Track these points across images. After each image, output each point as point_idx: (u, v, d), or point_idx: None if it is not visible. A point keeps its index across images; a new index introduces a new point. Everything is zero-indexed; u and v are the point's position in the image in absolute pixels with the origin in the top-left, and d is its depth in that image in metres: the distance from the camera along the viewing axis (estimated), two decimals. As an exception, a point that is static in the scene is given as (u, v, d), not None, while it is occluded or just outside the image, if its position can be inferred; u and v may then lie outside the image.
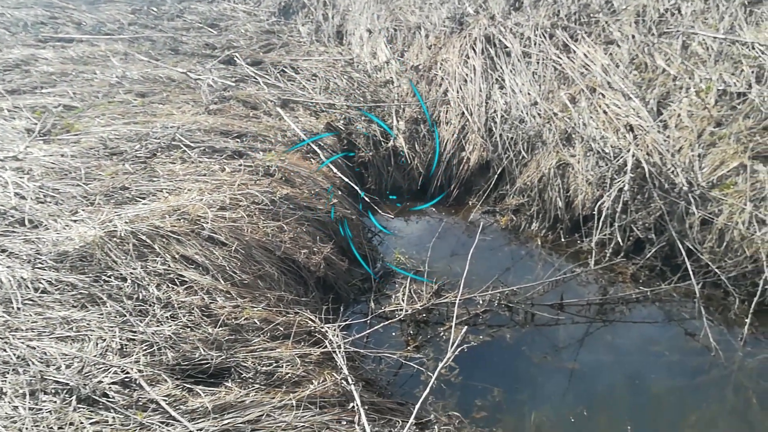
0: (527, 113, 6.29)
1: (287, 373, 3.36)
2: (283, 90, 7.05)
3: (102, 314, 3.38)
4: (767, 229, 4.96)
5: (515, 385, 4.13)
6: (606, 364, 4.40)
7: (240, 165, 5.07)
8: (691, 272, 4.94)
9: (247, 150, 5.41)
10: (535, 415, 3.90)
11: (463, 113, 6.55)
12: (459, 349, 4.23)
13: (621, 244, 5.33)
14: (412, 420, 3.16)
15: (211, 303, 3.68)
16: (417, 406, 3.27)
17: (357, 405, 3.27)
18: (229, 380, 3.25)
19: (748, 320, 4.68)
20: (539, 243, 5.69)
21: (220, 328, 3.50)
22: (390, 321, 4.52)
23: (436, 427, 3.69)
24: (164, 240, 3.99)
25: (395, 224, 6.09)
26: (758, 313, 4.77)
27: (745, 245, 4.98)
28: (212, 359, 3.28)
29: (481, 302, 4.83)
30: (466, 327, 4.24)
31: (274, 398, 3.15)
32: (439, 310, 4.75)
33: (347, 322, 4.32)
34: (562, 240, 5.68)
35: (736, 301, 4.84)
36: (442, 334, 4.54)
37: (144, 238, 3.93)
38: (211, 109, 6.19)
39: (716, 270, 4.94)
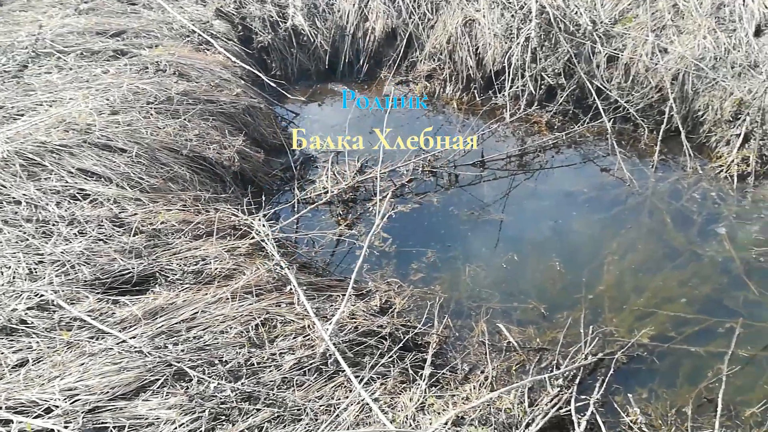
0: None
1: (216, 269, 3.25)
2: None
3: (0, 242, 3.09)
4: (669, 57, 5.08)
5: (447, 244, 4.22)
6: (531, 210, 4.55)
7: (125, 65, 4.59)
8: (601, 110, 5.07)
9: (130, 48, 4.89)
10: (469, 268, 4.03)
11: (361, -20, 6.14)
12: (386, 218, 4.26)
13: (534, 93, 5.35)
14: (350, 291, 3.16)
15: (121, 213, 3.44)
16: (353, 277, 3.27)
17: (294, 286, 3.24)
18: (156, 285, 3.11)
19: (657, 148, 4.92)
20: (455, 106, 5.64)
21: (136, 236, 3.30)
22: (317, 204, 4.43)
23: (377, 295, 3.76)
24: (55, 155, 3.62)
25: (309, 109, 5.83)
26: (666, 140, 5.03)
27: (649, 76, 5.11)
28: (133, 268, 3.11)
29: (405, 172, 4.80)
30: (389, 198, 4.22)
31: (206, 295, 3.06)
32: (365, 186, 4.69)
33: (273, 211, 4.19)
34: (477, 99, 5.64)
35: (645, 132, 5.05)
36: (371, 209, 4.51)
37: (31, 156, 3.55)
38: (81, 9, 5.49)
39: (625, 104, 5.09)
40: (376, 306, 3.63)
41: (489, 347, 3.51)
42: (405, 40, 5.94)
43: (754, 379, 3.35)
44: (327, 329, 2.97)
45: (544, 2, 5.28)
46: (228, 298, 3.07)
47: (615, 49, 5.25)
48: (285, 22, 5.96)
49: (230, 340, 2.86)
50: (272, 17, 5.96)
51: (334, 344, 2.94)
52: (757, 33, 5.19)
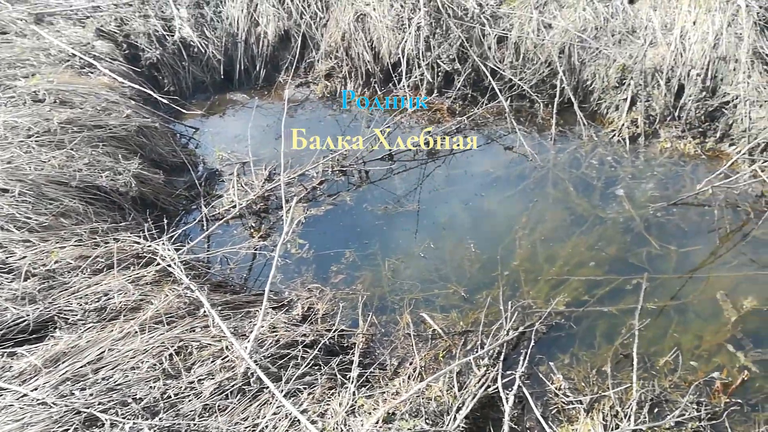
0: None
1: (121, 303, 3.08)
2: (33, 3, 5.92)
3: None
4: (554, 32, 5.28)
5: (365, 241, 4.20)
6: (442, 196, 4.60)
7: (-4, 99, 4.27)
8: (497, 91, 5.20)
9: (2, 80, 4.55)
10: (389, 262, 4.04)
11: (247, -15, 5.99)
12: (300, 224, 4.21)
13: (432, 81, 5.42)
14: (265, 305, 3.09)
15: (8, 257, 3.20)
16: (266, 290, 3.19)
17: (207, 308, 3.12)
18: (56, 330, 2.91)
19: (554, 121, 5.10)
20: (358, 102, 5.61)
21: (28, 281, 3.08)
22: (226, 219, 4.30)
23: (298, 303, 3.70)
24: (-77, 206, 3.32)
25: (210, 122, 5.64)
26: (561, 112, 5.22)
27: (538, 52, 5.29)
28: (28, 315, 2.89)
29: (315, 175, 4.75)
30: (293, 205, 4.15)
31: (112, 332, 2.89)
32: (276, 195, 4.60)
33: (180, 232, 4.02)
34: (379, 93, 5.65)
35: (541, 107, 5.22)
36: (284, 216, 4.43)
37: None
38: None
39: (519, 82, 5.24)
40: (298, 315, 3.57)
41: (415, 338, 3.53)
42: (300, 41, 5.86)
43: (663, 329, 3.55)
44: (246, 348, 2.88)
45: (428, -10, 5.35)
46: (137, 332, 2.92)
47: (503, 30, 5.40)
48: (172, 36, 5.73)
49: (143, 376, 2.73)
50: (158, 32, 5.71)
51: (254, 362, 2.86)
52: (632, 0, 5.48)
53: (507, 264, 3.99)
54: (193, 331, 3.06)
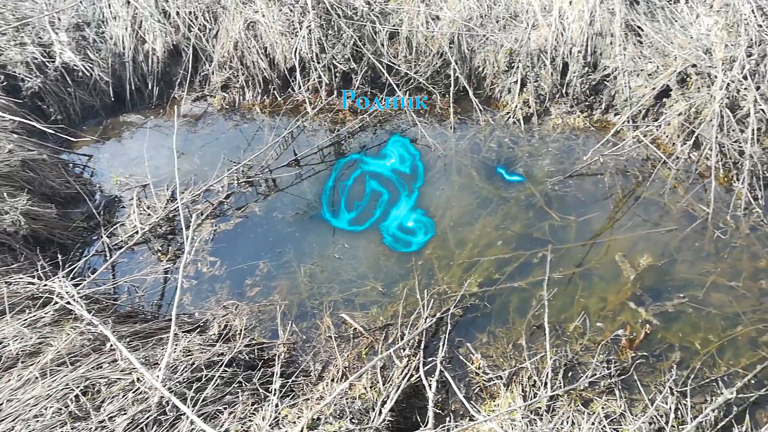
0: (196, -19, 5.76)
1: (17, 350, 2.90)
2: None
3: None
4: (442, 23, 5.41)
5: (278, 250, 4.16)
6: (354, 194, 4.61)
7: None
8: (394, 86, 5.27)
9: None
10: (305, 268, 4.02)
11: (128, 1, 5.76)
12: (206, 242, 4.12)
13: (331, 82, 5.42)
14: (173, 329, 2.99)
15: None
16: (173, 314, 3.09)
17: (113, 342, 2.99)
18: (-55, 390, 2.70)
19: (451, 110, 5.23)
20: (258, 110, 5.53)
21: None
22: (130, 246, 4.14)
23: (214, 323, 3.62)
24: None
25: (106, 147, 5.38)
26: (458, 100, 5.36)
27: (429, 44, 5.40)
28: None
29: (221, 189, 4.65)
30: (194, 225, 4.05)
31: (9, 381, 2.72)
32: (189, 214, 4.45)
33: (78, 267, 3.83)
34: (279, 99, 5.59)
35: (438, 97, 5.34)
36: (191, 235, 4.30)
37: None
38: None
39: (414, 76, 5.34)
40: (215, 335, 3.50)
41: (337, 340, 3.54)
42: (191, 55, 5.69)
43: (571, 296, 3.73)
44: (157, 376, 2.79)
45: (318, -8, 5.35)
46: (37, 377, 2.76)
47: (394, 26, 5.47)
48: (53, 62, 5.43)
49: (48, 422, 2.58)
50: (37, 59, 5.39)
51: (168, 389, 2.77)
52: (511, -13, 5.69)
53: (420, 254, 4.06)
54: (100, 367, 2.93)
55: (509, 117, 5.14)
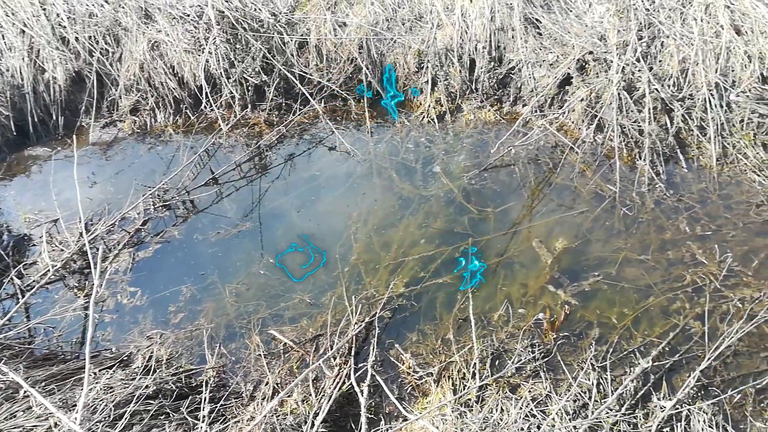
0: (92, 3, 5.56)
1: None
2: None
3: None
4: (349, 29, 5.45)
5: (201, 272, 4.07)
6: (274, 208, 4.57)
7: None
8: (308, 95, 5.26)
9: None
10: (230, 287, 3.95)
11: (23, 30, 5.50)
12: (117, 273, 3.99)
13: (244, 97, 5.36)
14: (88, 368, 2.87)
15: None
16: (86, 352, 2.97)
17: (26, 388, 2.84)
18: None
19: (367, 115, 5.27)
20: (171, 131, 5.40)
21: None
22: (42, 284, 3.95)
23: (138, 355, 3.51)
24: None
25: (14, 184, 5.10)
26: (372, 104, 5.41)
27: (339, 51, 5.43)
28: None
29: (137, 216, 4.50)
30: (101, 256, 3.92)
31: None
32: (97, 246, 4.29)
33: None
34: (192, 118, 5.47)
35: (353, 103, 5.37)
36: (108, 268, 4.15)
37: None
38: None
39: (327, 83, 5.35)
40: (139, 367, 3.38)
41: (267, 357, 3.49)
42: (95, 80, 5.49)
43: (494, 286, 3.83)
44: (75, 419, 2.67)
45: (221, 6, 5.27)
46: (-59, 439, 2.59)
47: (302, 35, 5.47)
48: (-58, 98, 5.12)
49: (-44, 485, 2.43)
50: (-77, 97, 5.07)
51: (89, 430, 2.66)
52: (414, -11, 5.80)
53: (346, 261, 4.07)
54: (14, 416, 2.78)
55: (423, 117, 5.23)
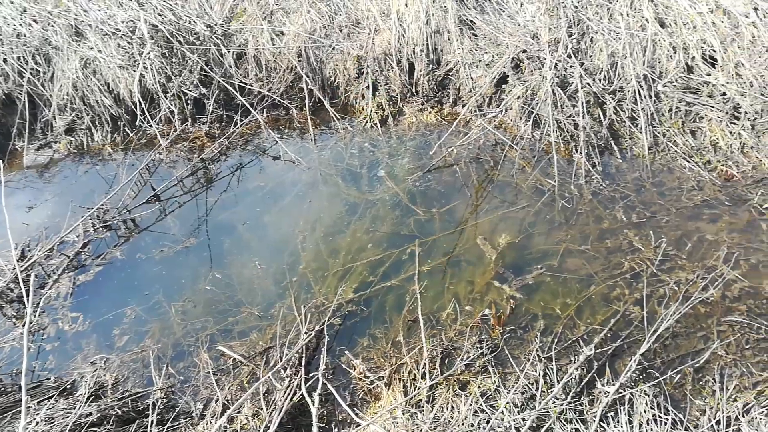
0: (20, 23, 5.38)
1: None
2: None
3: None
4: (287, 38, 5.43)
5: (145, 293, 3.98)
6: (220, 222, 4.50)
7: None
8: (249, 106, 5.22)
9: None
10: (176, 306, 3.87)
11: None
12: (70, 295, 3.87)
13: (184, 110, 5.27)
14: (24, 399, 2.77)
15: None
16: (23, 383, 2.86)
17: (-42, 428, 2.72)
18: None
19: (310, 123, 5.26)
20: (110, 150, 5.26)
21: None
22: (-23, 318, 3.79)
23: (82, 382, 3.40)
24: None
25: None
26: (315, 112, 5.41)
27: (278, 60, 5.40)
28: None
29: (76, 239, 4.37)
30: (33, 280, 3.80)
31: None
32: (29, 274, 4.13)
33: None
34: (131, 135, 5.35)
35: (295, 112, 5.35)
36: (48, 294, 4.02)
37: None
38: None
39: (267, 93, 5.31)
40: (83, 394, 3.28)
41: (217, 374, 3.44)
42: (26, 102, 5.31)
43: (441, 285, 3.87)
44: (12, 455, 2.57)
45: (154, 21, 5.18)
46: None
47: (239, 46, 5.42)
48: None
49: None
50: None
51: (27, 466, 2.57)
52: (350, -4, 5.82)
53: (294, 271, 4.05)
54: (-54, 459, 2.66)
55: (366, 122, 5.26)
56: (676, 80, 4.91)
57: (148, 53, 5.07)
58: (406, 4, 5.44)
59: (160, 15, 5.31)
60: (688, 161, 4.56)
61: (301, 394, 3.18)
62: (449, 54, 5.33)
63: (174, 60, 5.25)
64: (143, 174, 4.88)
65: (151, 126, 5.19)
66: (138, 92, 5.09)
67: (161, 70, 5.17)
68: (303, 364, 3.39)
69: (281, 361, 3.36)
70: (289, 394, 3.17)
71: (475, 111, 5.12)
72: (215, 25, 5.41)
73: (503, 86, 5.12)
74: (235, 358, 3.51)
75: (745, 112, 4.68)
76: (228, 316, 3.80)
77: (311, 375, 3.35)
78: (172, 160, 5.09)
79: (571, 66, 4.90)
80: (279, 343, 3.52)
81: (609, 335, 3.48)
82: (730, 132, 4.66)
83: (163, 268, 4.16)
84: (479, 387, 3.19)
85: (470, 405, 3.05)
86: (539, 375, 3.22)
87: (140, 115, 5.17)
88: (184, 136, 5.25)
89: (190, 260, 4.20)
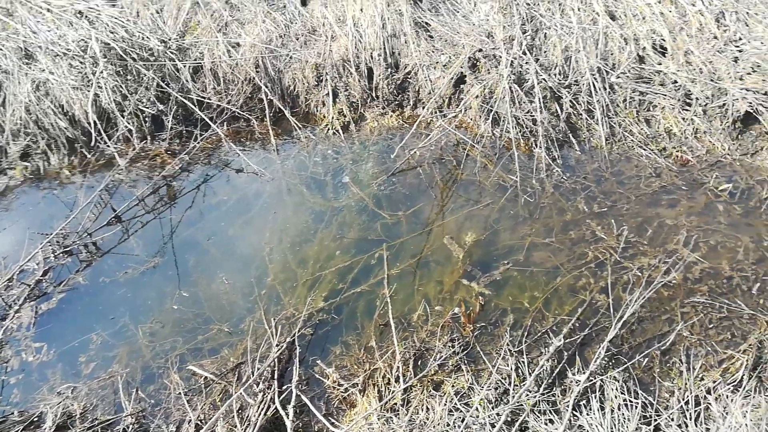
0: (-35, 48, 5.24)
1: None
2: None
3: None
4: (243, 49, 5.39)
5: (111, 317, 3.89)
6: (184, 239, 4.43)
7: None
8: (208, 120, 5.16)
9: None
10: (143, 328, 3.80)
11: None
12: (33, 325, 3.78)
13: (141, 128, 5.19)
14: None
15: None
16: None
17: None
18: None
19: (271, 133, 5.22)
20: (68, 173, 5.15)
21: None
22: (-65, 355, 3.66)
23: (49, 413, 3.32)
24: None
25: None
26: (276, 122, 5.38)
27: (235, 72, 5.36)
28: None
29: (36, 267, 4.26)
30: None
31: None
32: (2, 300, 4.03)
33: None
34: (89, 157, 5.24)
35: (255, 123, 5.31)
36: (9, 324, 3.91)
37: None
38: None
39: (226, 106, 5.27)
40: (50, 426, 3.20)
41: (188, 394, 3.39)
42: (-24, 129, 5.18)
43: (411, 287, 3.88)
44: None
45: (106, 39, 5.09)
46: None
47: (195, 60, 5.36)
48: None
49: None
50: None
51: (-7, 505, 2.49)
52: (304, 3, 5.82)
53: (262, 283, 4.01)
54: None
55: (328, 129, 5.25)
56: (629, 71, 5.02)
57: (102, 72, 4.98)
58: (361, 10, 5.46)
59: (112, 32, 5.22)
60: (644, 149, 4.66)
61: (276, 408, 3.15)
62: (407, 57, 5.36)
63: (129, 77, 5.17)
64: (103, 196, 4.79)
65: (108, 146, 5.09)
66: (93, 113, 5.00)
67: (116, 89, 5.09)
68: (276, 377, 3.35)
69: (253, 375, 3.32)
70: (263, 408, 3.14)
71: (436, 112, 5.15)
72: (169, 39, 5.35)
73: (461, 86, 5.17)
74: (206, 377, 3.46)
75: (697, 98, 4.81)
76: (197, 335, 3.74)
77: (285, 388, 3.32)
78: (132, 180, 5.00)
79: (526, 62, 4.97)
80: (250, 358, 3.49)
81: (577, 325, 3.53)
82: (683, 118, 4.78)
83: (128, 290, 4.08)
84: (453, 386, 3.20)
85: (445, 405, 3.06)
86: (511, 369, 3.25)
87: (97, 135, 5.07)
88: (143, 154, 5.16)
89: (155, 280, 4.13)
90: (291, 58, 5.40)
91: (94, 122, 5.04)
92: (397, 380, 3.25)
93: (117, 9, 5.59)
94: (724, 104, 4.72)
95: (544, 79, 4.88)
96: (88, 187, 4.95)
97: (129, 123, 5.08)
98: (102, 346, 3.73)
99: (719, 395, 3.03)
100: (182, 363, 3.58)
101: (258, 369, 3.34)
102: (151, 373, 3.56)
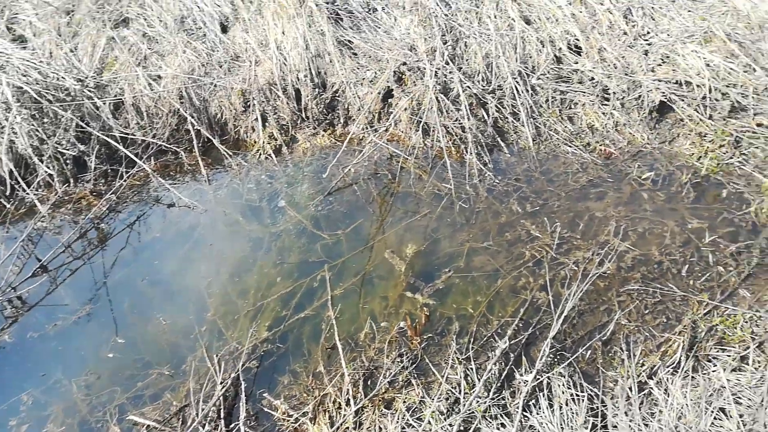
0: None
1: None
2: None
3: None
4: (165, 80, 5.27)
5: (41, 374, 3.67)
6: (117, 284, 4.25)
7: None
8: (133, 156, 5.00)
9: None
10: (77, 381, 3.60)
11: None
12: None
13: (63, 172, 4.97)
14: None
15: None
16: None
17: None
18: None
19: (201, 164, 5.10)
20: (-13, 225, 4.88)
21: None
22: None
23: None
24: None
25: None
26: (206, 152, 5.26)
27: (159, 105, 5.22)
28: None
29: (-43, 328, 4.00)
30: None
31: None
32: None
33: None
34: (8, 206, 4.97)
35: (183, 155, 5.18)
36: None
37: None
38: None
39: (152, 140, 5.12)
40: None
41: (130, 445, 3.23)
42: None
43: (356, 306, 3.84)
44: None
45: (18, 82, 4.87)
46: None
47: (115, 96, 5.20)
48: None
49: None
50: None
51: None
52: (224, 30, 5.75)
53: (202, 320, 3.88)
54: None
55: (260, 154, 5.17)
56: (548, 72, 5.17)
57: (15, 117, 4.75)
58: (283, 32, 5.43)
59: (25, 75, 5.00)
60: (570, 146, 4.80)
61: (223, 448, 3.04)
62: (333, 76, 5.36)
63: (45, 120, 4.95)
64: (26, 246, 4.55)
65: (28, 193, 4.85)
66: (9, 160, 4.76)
67: (32, 133, 4.86)
68: (222, 416, 3.24)
69: (198, 417, 3.19)
70: (210, 450, 3.02)
71: (367, 128, 5.16)
72: (86, 78, 5.17)
73: (390, 100, 5.20)
74: (148, 425, 3.30)
75: (614, 93, 4.99)
76: (136, 381, 3.57)
77: (232, 426, 3.21)
78: (56, 226, 4.78)
79: (450, 72, 5.05)
80: (194, 400, 3.35)
81: (521, 325, 3.57)
82: (603, 113, 4.96)
83: (59, 343, 3.87)
84: (404, 401, 3.17)
85: (397, 422, 3.02)
86: (460, 377, 3.24)
87: (14, 183, 4.82)
88: (67, 198, 4.94)
89: (88, 329, 3.94)
90: (216, 86, 5.31)
91: (11, 170, 4.80)
92: (347, 403, 3.19)
93: (28, 51, 5.37)
94: (639, 96, 4.92)
95: (468, 86, 4.97)
96: (9, 238, 4.69)
97: (49, 167, 4.86)
98: (34, 406, 3.51)
99: (660, 379, 3.11)
100: (122, 413, 3.41)
101: (203, 410, 3.22)
102: (90, 428, 3.38)
